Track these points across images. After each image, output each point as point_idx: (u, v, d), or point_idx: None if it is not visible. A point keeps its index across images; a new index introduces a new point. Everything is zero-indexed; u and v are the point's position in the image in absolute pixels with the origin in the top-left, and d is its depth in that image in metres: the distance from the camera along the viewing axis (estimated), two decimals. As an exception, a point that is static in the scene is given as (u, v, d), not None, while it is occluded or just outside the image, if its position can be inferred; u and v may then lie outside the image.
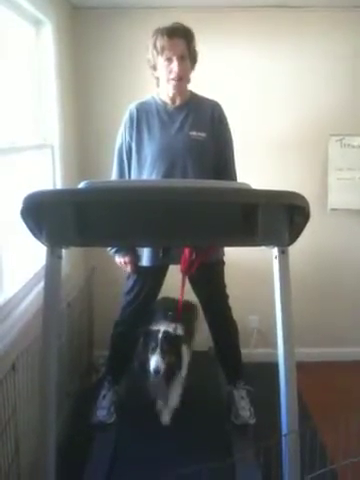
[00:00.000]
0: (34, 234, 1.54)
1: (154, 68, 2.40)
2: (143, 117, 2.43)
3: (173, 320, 2.58)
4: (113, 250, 2.52)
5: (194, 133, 2.39)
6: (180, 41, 2.31)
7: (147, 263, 2.45)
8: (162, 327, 2.51)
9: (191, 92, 2.49)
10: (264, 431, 1.89)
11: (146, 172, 2.41)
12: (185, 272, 2.36)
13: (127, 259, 2.51)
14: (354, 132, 3.29)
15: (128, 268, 2.53)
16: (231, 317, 2.65)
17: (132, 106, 2.48)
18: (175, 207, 1.51)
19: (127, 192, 1.48)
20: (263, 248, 1.65)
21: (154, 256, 2.42)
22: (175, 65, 2.31)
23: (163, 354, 2.40)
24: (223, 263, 2.59)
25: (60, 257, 1.59)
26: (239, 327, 2.69)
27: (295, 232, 1.57)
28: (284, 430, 1.61)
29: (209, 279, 2.51)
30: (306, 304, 3.27)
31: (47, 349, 1.58)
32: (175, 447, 2.39)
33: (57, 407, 1.64)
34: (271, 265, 1.64)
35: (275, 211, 1.53)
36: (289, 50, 3.22)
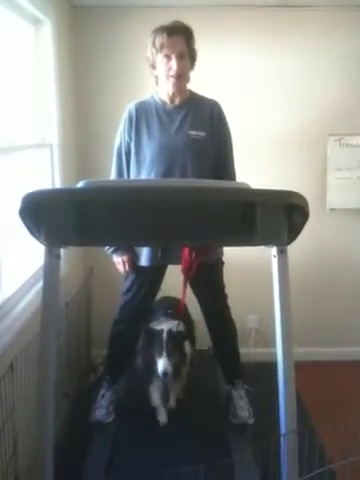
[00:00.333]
0: (32, 233, 1.54)
1: (153, 66, 2.40)
2: (142, 116, 2.43)
3: (173, 318, 2.59)
4: (111, 249, 2.52)
5: (193, 132, 2.39)
6: (179, 39, 2.31)
7: (146, 263, 2.45)
8: (164, 326, 2.51)
9: (190, 91, 2.48)
10: (262, 431, 1.89)
11: (145, 171, 2.41)
12: (186, 273, 2.36)
13: (125, 258, 2.50)
14: (353, 132, 3.30)
15: (126, 267, 2.52)
16: (230, 317, 2.65)
17: (131, 105, 2.47)
18: (174, 206, 1.51)
19: (126, 191, 1.47)
20: (262, 247, 1.64)
21: (153, 256, 2.42)
22: (174, 63, 2.30)
23: (169, 355, 2.41)
24: (222, 263, 2.58)
25: (58, 257, 1.59)
26: (238, 327, 2.69)
27: (294, 231, 1.56)
28: (282, 430, 1.61)
29: (208, 279, 2.51)
30: (305, 304, 3.28)
31: (45, 348, 1.57)
32: (173, 446, 2.39)
33: (55, 406, 1.63)
34: (270, 264, 1.64)
35: (274, 210, 1.53)
36: (288, 49, 3.22)
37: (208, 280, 2.52)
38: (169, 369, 2.39)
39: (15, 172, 2.37)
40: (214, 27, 3.12)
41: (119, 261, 2.53)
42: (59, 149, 2.83)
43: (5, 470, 1.79)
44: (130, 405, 2.69)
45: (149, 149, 2.39)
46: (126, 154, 2.47)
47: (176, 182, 1.95)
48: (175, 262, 2.36)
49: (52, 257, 1.57)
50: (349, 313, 3.48)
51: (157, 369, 2.41)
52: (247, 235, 1.55)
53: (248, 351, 3.21)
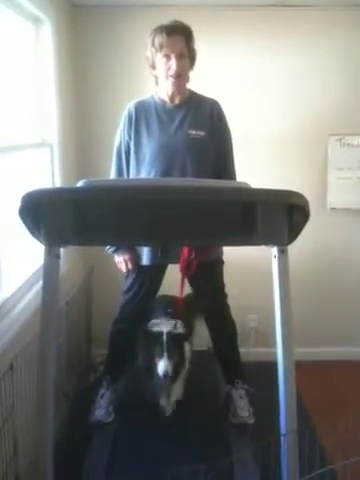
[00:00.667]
0: (32, 233, 1.53)
1: (153, 66, 2.40)
2: (142, 116, 2.43)
3: (173, 317, 2.59)
4: (111, 249, 2.52)
5: (193, 132, 2.39)
6: (179, 39, 2.31)
7: (146, 262, 2.45)
8: (164, 327, 2.52)
9: (190, 91, 2.48)
10: (263, 431, 1.88)
11: (145, 171, 2.40)
12: (184, 271, 2.36)
13: (127, 256, 2.50)
14: (353, 131, 3.29)
15: (129, 265, 2.51)
16: (230, 316, 2.64)
17: (131, 105, 2.47)
18: (174, 206, 1.51)
19: (126, 191, 1.47)
20: (262, 247, 1.64)
21: (153, 255, 2.42)
22: (173, 62, 2.30)
23: (169, 357, 2.42)
24: (222, 262, 2.58)
25: (58, 256, 1.58)
26: (238, 326, 2.69)
27: (294, 231, 1.56)
28: (283, 430, 1.61)
29: (208, 278, 2.51)
30: (305, 303, 3.27)
31: (45, 348, 1.57)
32: (173, 446, 2.39)
33: (55, 406, 1.63)
34: (270, 264, 1.64)
35: (274, 210, 1.53)
36: (288, 49, 3.22)
37: (208, 279, 2.52)
38: (170, 370, 2.40)
39: (15, 171, 2.37)
40: (214, 27, 3.12)
41: (120, 260, 2.52)
42: (59, 148, 2.83)
43: (5, 470, 1.79)
44: (130, 405, 2.69)
45: (149, 148, 2.39)
46: (126, 153, 2.46)
47: (176, 181, 1.95)
48: (175, 261, 2.36)
49: (52, 256, 1.56)
50: (349, 313, 3.48)
51: (157, 370, 2.41)
52: (247, 235, 1.55)
53: (248, 351, 3.21)
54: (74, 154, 3.17)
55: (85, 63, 3.20)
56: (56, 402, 1.67)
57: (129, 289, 2.55)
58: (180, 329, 2.53)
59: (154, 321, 2.62)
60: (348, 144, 3.30)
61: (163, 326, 2.53)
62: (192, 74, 2.44)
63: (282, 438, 1.57)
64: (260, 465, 1.97)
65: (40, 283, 1.91)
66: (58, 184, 2.82)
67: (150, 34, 2.34)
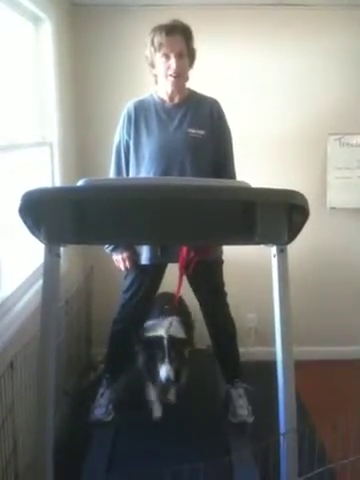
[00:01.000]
0: (32, 232, 1.54)
1: (152, 65, 2.40)
2: (141, 115, 2.43)
3: (169, 314, 2.60)
4: (110, 248, 2.52)
5: (193, 131, 2.39)
6: (178, 38, 2.31)
7: (145, 261, 2.45)
8: (162, 330, 2.52)
9: (189, 90, 2.48)
10: (262, 430, 1.89)
11: (144, 170, 2.41)
12: (183, 270, 2.37)
13: (125, 255, 2.50)
14: (353, 131, 3.30)
15: (127, 264, 2.51)
16: (229, 315, 2.65)
17: (130, 104, 2.47)
18: (174, 205, 1.51)
19: (126, 190, 1.47)
20: (262, 246, 1.64)
21: (152, 254, 2.42)
22: (173, 62, 2.30)
23: (171, 362, 2.42)
24: (222, 261, 2.58)
25: (58, 255, 1.59)
26: (237, 325, 2.69)
27: (294, 231, 1.56)
28: (282, 429, 1.61)
29: (207, 278, 2.51)
30: (305, 303, 3.27)
31: (45, 347, 1.57)
32: (173, 445, 2.39)
33: (55, 405, 1.63)
34: (269, 263, 1.64)
35: (274, 209, 1.53)
36: (288, 48, 3.22)
37: (207, 279, 2.52)
38: (172, 375, 2.41)
39: (15, 170, 2.37)
40: (213, 26, 3.12)
41: (119, 259, 2.53)
42: (59, 147, 2.83)
43: (5, 468, 1.79)
44: (130, 404, 2.69)
45: (148, 147, 2.39)
46: (125, 152, 2.47)
47: (176, 181, 1.95)
48: (175, 260, 2.36)
49: (52, 255, 1.57)
50: (349, 312, 3.48)
51: (158, 375, 2.42)
52: (247, 234, 1.55)
53: (247, 350, 3.21)
54: (74, 153, 3.17)
55: (85, 62, 3.20)
56: (56, 400, 1.67)
57: (128, 288, 2.56)
58: (175, 323, 2.54)
59: (150, 322, 2.64)
60: (347, 144, 3.30)
61: (160, 328, 2.54)
62: (192, 73, 2.45)
63: (281, 437, 1.57)
64: (259, 464, 1.97)
65: (40, 282, 1.91)
66: (58, 183, 2.82)
67: (149, 33, 2.34)
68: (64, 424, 2.54)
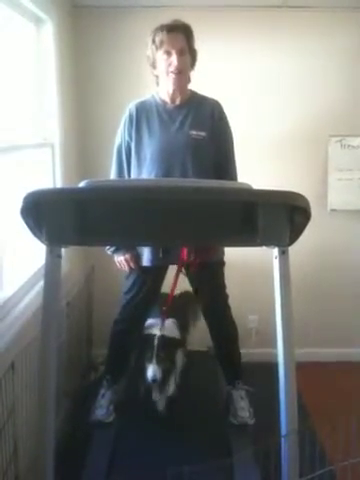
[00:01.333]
0: (34, 233, 1.54)
1: (153, 65, 2.40)
2: (143, 116, 2.43)
3: (167, 315, 2.61)
4: (111, 249, 2.52)
5: (194, 132, 2.39)
6: (179, 36, 2.31)
7: (147, 263, 2.45)
8: (156, 330, 2.53)
9: (191, 91, 2.48)
10: (263, 431, 1.89)
11: (146, 171, 2.41)
12: (181, 269, 2.38)
13: (128, 256, 2.49)
14: (354, 133, 3.30)
15: (131, 265, 2.50)
16: (231, 317, 2.64)
17: (131, 105, 2.48)
18: (175, 206, 1.51)
19: (127, 191, 1.48)
20: (263, 248, 1.64)
21: (154, 256, 2.42)
22: (174, 58, 2.30)
23: (159, 362, 2.43)
24: (223, 263, 2.58)
25: (60, 256, 1.59)
26: (238, 327, 2.69)
27: (295, 232, 1.57)
28: (283, 431, 1.61)
29: (209, 279, 2.51)
30: (306, 304, 3.27)
31: (46, 348, 1.58)
32: (174, 446, 2.39)
33: (56, 406, 1.63)
34: (271, 265, 1.64)
35: (276, 211, 1.53)
36: (289, 50, 3.22)
37: (209, 280, 2.52)
38: (158, 375, 2.42)
39: (17, 171, 2.37)
40: (215, 27, 3.12)
41: (121, 260, 2.52)
42: (60, 148, 2.83)
43: (5, 470, 1.79)
44: (130, 405, 2.69)
45: (150, 149, 2.39)
46: (126, 154, 2.47)
47: (177, 182, 1.95)
48: (176, 262, 2.36)
49: (53, 256, 1.57)
50: (350, 314, 3.48)
51: (146, 374, 2.44)
52: (248, 236, 1.56)
53: (249, 351, 3.20)
54: (75, 154, 3.17)
55: (86, 63, 3.20)
56: (57, 401, 1.67)
57: (130, 290, 2.55)
58: (171, 328, 2.55)
59: (149, 322, 2.65)
60: (348, 145, 3.30)
61: (156, 328, 2.54)
62: (193, 75, 2.45)
63: (282, 439, 1.57)
64: (260, 465, 1.97)
65: (41, 283, 1.91)
66: (59, 184, 2.82)
67: (150, 33, 2.35)
68: (65, 425, 2.54)
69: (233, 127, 2.51)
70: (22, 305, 2.19)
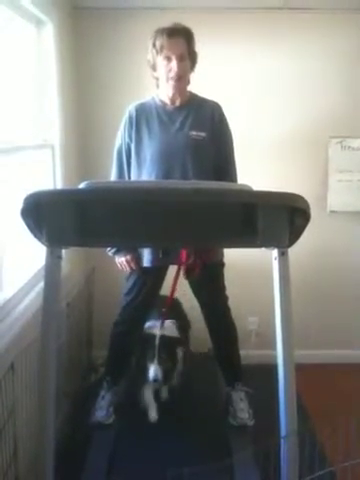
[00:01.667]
0: (34, 234, 1.54)
1: (153, 68, 2.40)
2: (142, 118, 2.43)
3: (167, 316, 2.61)
4: (112, 250, 2.52)
5: (194, 133, 2.39)
6: (180, 41, 2.32)
7: (147, 264, 2.45)
8: (157, 330, 2.53)
9: (191, 93, 2.49)
10: (263, 433, 1.89)
11: (146, 172, 2.41)
12: (185, 274, 2.38)
13: (129, 257, 2.49)
14: (354, 134, 3.30)
15: (132, 266, 2.50)
16: (230, 318, 2.64)
17: (131, 107, 2.48)
18: (175, 208, 1.51)
19: (127, 192, 1.48)
20: (263, 249, 1.65)
21: (154, 257, 2.42)
22: (174, 64, 2.31)
23: (160, 361, 2.45)
24: (223, 264, 2.58)
25: (60, 257, 1.59)
26: (238, 328, 2.69)
27: (295, 234, 1.57)
28: (283, 432, 1.61)
29: (209, 281, 2.51)
30: (306, 306, 3.27)
31: (46, 349, 1.58)
32: (173, 448, 2.39)
33: (56, 407, 1.63)
34: (271, 266, 1.64)
35: (275, 213, 1.53)
36: (289, 52, 3.22)
37: (209, 282, 2.52)
38: (160, 375, 2.44)
39: (17, 173, 2.37)
40: (215, 29, 3.12)
41: (122, 261, 2.52)
42: (61, 150, 2.84)
43: (5, 471, 1.79)
44: (130, 406, 2.69)
45: (150, 150, 2.40)
46: (126, 155, 2.47)
47: (177, 183, 1.95)
48: (176, 263, 2.37)
49: (53, 257, 1.57)
50: (350, 316, 3.48)
51: (148, 374, 2.45)
52: (248, 237, 1.56)
53: (248, 353, 3.20)
54: (76, 155, 3.18)
55: (87, 65, 3.21)
56: (57, 403, 1.67)
57: (130, 291, 2.55)
58: (174, 331, 2.55)
59: (149, 324, 2.65)
60: (349, 147, 3.30)
61: (156, 329, 2.54)
62: (193, 76, 2.45)
63: (282, 440, 1.57)
64: (260, 467, 1.97)
65: (41, 284, 1.91)
66: (60, 185, 2.82)
67: (151, 36, 2.35)
68: (65, 426, 2.54)
69: (233, 129, 2.51)
70: (22, 306, 2.19)
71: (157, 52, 2.33)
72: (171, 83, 2.35)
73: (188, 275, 2.44)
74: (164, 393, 2.67)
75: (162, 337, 2.48)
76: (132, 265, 2.50)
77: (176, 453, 2.33)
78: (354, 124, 3.31)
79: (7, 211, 2.12)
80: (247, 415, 2.59)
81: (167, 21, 2.34)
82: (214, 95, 2.53)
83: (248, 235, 1.54)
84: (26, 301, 2.24)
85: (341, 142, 3.29)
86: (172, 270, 2.49)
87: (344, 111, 3.29)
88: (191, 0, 3.05)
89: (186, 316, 2.91)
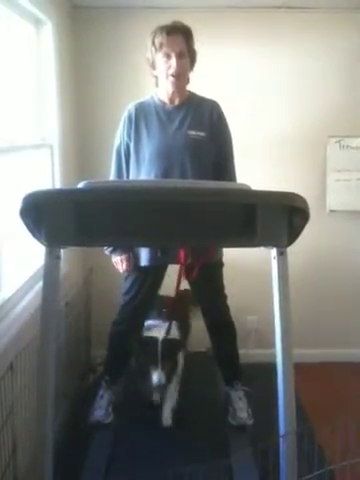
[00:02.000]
0: (33, 234, 1.54)
1: (153, 66, 2.40)
2: (141, 117, 2.43)
3: (167, 318, 2.60)
4: (109, 249, 2.52)
5: (193, 132, 2.39)
6: (179, 38, 2.32)
7: (145, 263, 2.45)
8: (158, 332, 2.53)
9: (190, 92, 2.49)
10: (262, 432, 1.89)
11: (144, 171, 2.41)
12: (185, 276, 2.38)
13: (124, 257, 2.49)
14: (353, 133, 3.30)
15: (124, 265, 2.51)
16: (229, 318, 2.65)
17: (130, 106, 2.48)
18: (174, 207, 1.51)
19: (126, 192, 1.48)
20: (262, 249, 1.65)
21: (152, 256, 2.42)
22: (174, 61, 2.31)
23: (163, 366, 2.43)
24: (222, 264, 2.58)
25: (59, 257, 1.59)
26: (237, 327, 2.69)
27: (294, 233, 1.57)
28: (282, 431, 1.61)
29: (208, 280, 2.51)
30: (304, 305, 3.27)
31: (45, 349, 1.57)
32: (173, 447, 2.39)
33: (55, 407, 1.63)
34: (270, 266, 1.64)
35: (274, 212, 1.53)
36: (288, 51, 3.23)
37: (208, 281, 2.52)
38: (163, 379, 2.42)
39: (15, 172, 2.37)
40: (214, 29, 3.13)
41: (118, 261, 2.52)
42: (59, 149, 2.83)
43: (4, 470, 1.79)
44: (129, 406, 2.69)
45: (148, 149, 2.40)
46: (125, 154, 2.47)
47: (176, 183, 1.95)
48: (175, 261, 2.36)
49: (52, 257, 1.57)
50: (349, 315, 3.48)
51: (151, 378, 2.43)
52: (247, 236, 1.56)
53: (247, 352, 3.21)
54: (74, 155, 3.18)
55: (86, 64, 3.21)
56: (56, 402, 1.67)
57: (129, 290, 2.55)
58: (173, 331, 2.55)
59: (149, 323, 2.64)
60: (347, 146, 3.31)
61: (157, 331, 2.54)
62: (192, 75, 2.45)
63: (281, 439, 1.57)
64: (259, 466, 1.97)
65: (40, 284, 1.91)
66: (58, 185, 2.82)
67: (150, 34, 2.35)
68: (63, 426, 2.54)
69: (232, 128, 2.51)
70: (21, 306, 2.19)
71: (156, 50, 2.33)
72: (171, 79, 2.34)
73: (187, 275, 2.44)
74: (168, 417, 2.62)
75: (164, 341, 2.47)
76: (124, 265, 2.50)
77: (175, 452, 2.33)
78: (353, 123, 3.31)
79: (6, 211, 2.12)
80: (246, 414, 2.59)
81: (166, 20, 2.34)
82: (213, 94, 2.53)
83: (247, 234, 1.54)
84: (25, 301, 2.24)
85: (340, 141, 3.30)
86: (170, 269, 2.50)
87: (343, 110, 3.30)
88: (190, -1, 3.05)
89: (188, 317, 2.89)
